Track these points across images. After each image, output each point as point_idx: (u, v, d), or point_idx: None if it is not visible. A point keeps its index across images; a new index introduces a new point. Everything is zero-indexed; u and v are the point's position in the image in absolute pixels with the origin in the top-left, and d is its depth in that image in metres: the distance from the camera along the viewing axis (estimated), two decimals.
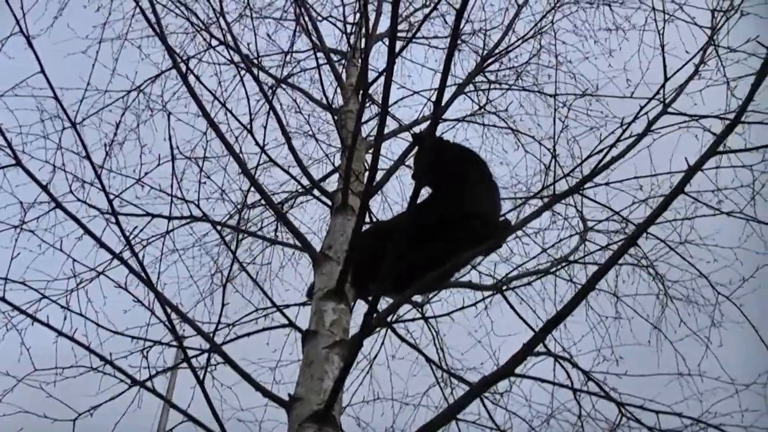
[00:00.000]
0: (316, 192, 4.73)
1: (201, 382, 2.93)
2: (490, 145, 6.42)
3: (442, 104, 5.42)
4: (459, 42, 6.50)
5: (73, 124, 3.25)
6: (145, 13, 4.23)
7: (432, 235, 3.83)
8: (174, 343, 3.28)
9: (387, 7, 6.29)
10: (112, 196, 3.25)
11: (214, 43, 5.44)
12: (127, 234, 3.29)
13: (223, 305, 3.28)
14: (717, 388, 4.67)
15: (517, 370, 4.06)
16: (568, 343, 5.20)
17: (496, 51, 5.94)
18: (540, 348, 4.23)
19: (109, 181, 4.97)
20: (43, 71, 3.16)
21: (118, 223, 3.10)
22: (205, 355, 3.84)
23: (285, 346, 5.23)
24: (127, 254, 3.52)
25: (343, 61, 6.20)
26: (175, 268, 5.46)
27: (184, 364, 3.30)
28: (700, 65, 4.57)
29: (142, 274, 3.00)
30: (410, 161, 4.90)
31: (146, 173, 4.35)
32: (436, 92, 2.78)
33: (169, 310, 3.02)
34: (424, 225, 3.82)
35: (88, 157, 3.16)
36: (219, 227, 4.38)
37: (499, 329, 5.14)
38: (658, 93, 4.26)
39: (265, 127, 4.16)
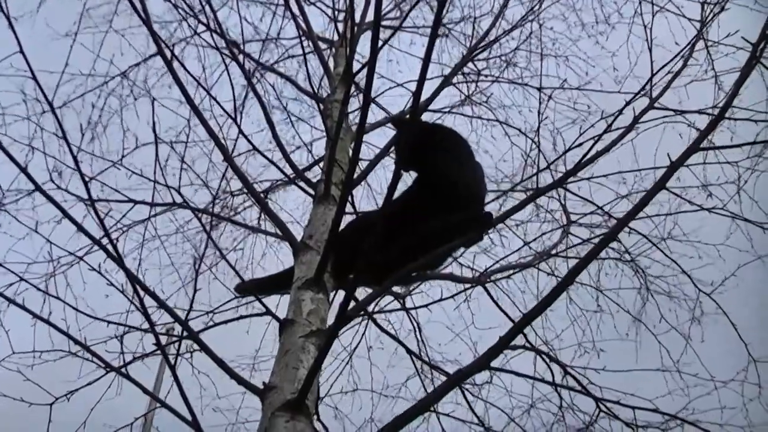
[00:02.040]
0: (299, 182, 4.71)
1: (173, 368, 2.91)
2: (477, 137, 6.43)
3: (429, 93, 5.51)
4: (446, 30, 6.49)
5: (50, 104, 3.21)
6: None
7: (414, 225, 3.80)
8: (148, 328, 3.22)
9: None
10: (88, 180, 3.18)
11: (201, 29, 5.42)
12: (109, 220, 3.28)
13: (195, 291, 3.27)
14: (697, 385, 4.69)
15: (498, 364, 4.11)
16: (551, 337, 5.24)
17: (485, 39, 5.91)
18: (520, 341, 4.25)
19: (92, 167, 4.98)
20: (21, 51, 3.12)
21: (93, 206, 3.06)
22: (183, 341, 3.84)
23: (266, 336, 5.23)
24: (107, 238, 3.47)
25: (332, 50, 6.15)
26: (158, 255, 5.46)
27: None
28: (688, 59, 4.56)
29: (113, 254, 2.96)
30: (394, 150, 4.88)
31: (123, 156, 4.33)
32: (417, 83, 2.73)
33: (142, 293, 2.99)
34: (406, 214, 3.80)
35: (65, 138, 3.13)
36: (199, 214, 4.33)
37: (481, 322, 5.13)
38: (644, 88, 4.24)
39: (240, 113, 4.12)
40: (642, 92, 4.23)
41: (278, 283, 4.10)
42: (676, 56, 4.32)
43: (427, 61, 2.68)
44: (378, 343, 5.52)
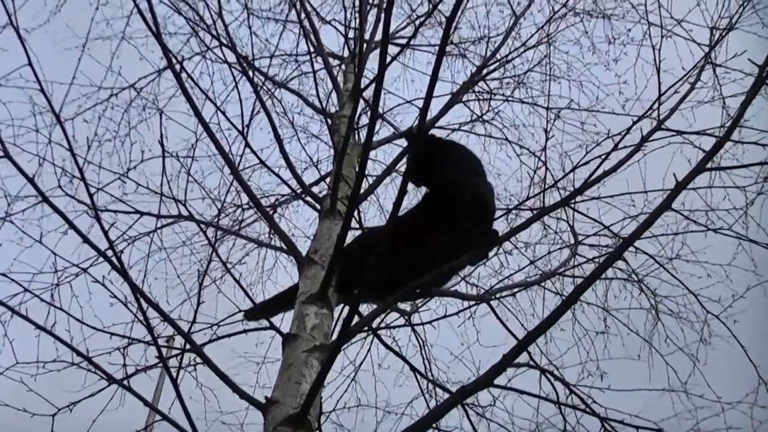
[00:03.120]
0: (306, 197, 4.72)
1: (174, 381, 2.90)
2: (489, 157, 6.44)
3: (439, 108, 5.53)
4: (460, 50, 6.52)
5: (57, 115, 3.23)
6: (142, 13, 4.21)
7: (420, 241, 3.80)
8: (150, 341, 3.21)
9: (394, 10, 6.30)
10: (93, 192, 3.20)
11: (214, 44, 5.45)
12: (116, 231, 3.28)
13: (198, 303, 3.27)
14: (704, 407, 4.66)
15: (502, 382, 4.09)
16: (558, 358, 5.22)
17: (495, 58, 5.93)
18: (525, 360, 4.24)
19: (99, 177, 5.01)
20: (30, 63, 3.14)
21: (97, 216, 3.07)
22: (187, 354, 3.84)
23: (269, 350, 5.23)
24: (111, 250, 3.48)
25: (342, 66, 6.19)
26: (164, 267, 5.46)
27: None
28: (696, 82, 4.56)
29: (117, 265, 2.96)
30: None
31: (129, 169, 4.36)
32: (426, 96, 2.74)
33: (145, 305, 3.00)
34: (412, 230, 3.80)
35: (71, 149, 3.14)
36: (205, 227, 4.34)
37: (488, 341, 5.12)
38: (651, 108, 4.24)
39: (247, 126, 4.12)
40: (650, 112, 4.22)
41: (286, 300, 4.09)
42: (683, 77, 4.32)
43: (434, 76, 2.69)
44: (385, 362, 5.53)
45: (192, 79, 4.55)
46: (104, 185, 4.55)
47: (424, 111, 2.87)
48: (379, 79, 2.82)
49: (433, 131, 5.30)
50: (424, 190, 4.14)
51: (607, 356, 5.27)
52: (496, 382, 3.20)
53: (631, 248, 4.64)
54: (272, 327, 3.74)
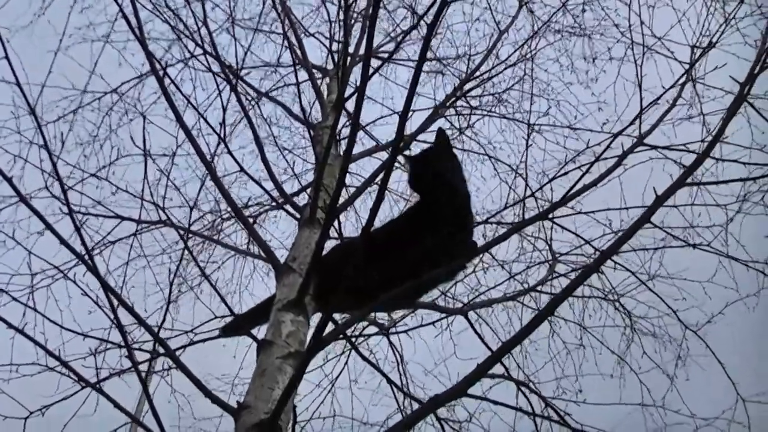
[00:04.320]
0: (287, 207, 4.70)
1: (144, 383, 2.88)
2: (468, 174, 6.44)
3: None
4: (441, 66, 6.55)
5: (33, 111, 3.19)
6: (127, 17, 4.20)
7: (398, 252, 3.77)
8: (122, 344, 3.17)
9: (378, 26, 6.34)
10: (66, 188, 3.17)
11: (197, 51, 5.44)
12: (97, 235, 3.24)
13: (168, 301, 3.23)
14: (681, 423, 4.66)
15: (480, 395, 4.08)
16: (538, 376, 5.23)
17: (476, 75, 5.95)
18: (501, 372, 4.23)
19: (82, 184, 5.01)
20: (6, 57, 3.10)
21: (71, 215, 3.04)
22: (161, 360, 3.81)
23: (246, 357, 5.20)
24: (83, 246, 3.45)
25: (326, 78, 6.19)
26: (143, 275, 5.43)
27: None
28: (677, 99, 4.59)
29: (89, 263, 2.94)
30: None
31: (104, 166, 4.34)
32: (404, 107, 2.73)
33: (115, 303, 2.96)
34: (390, 241, 3.78)
35: (46, 147, 3.11)
36: (183, 232, 4.31)
37: (466, 356, 5.11)
38: (632, 123, 4.26)
39: (223, 130, 4.11)
40: (631, 127, 4.25)
41: (263, 313, 4.04)
42: (665, 92, 4.34)
43: (412, 90, 2.68)
44: (363, 378, 5.51)
45: (175, 85, 4.54)
46: (76, 183, 4.52)
47: (400, 127, 2.85)
48: (360, 90, 2.82)
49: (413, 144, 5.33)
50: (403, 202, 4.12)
51: (583, 373, 5.26)
52: (472, 392, 3.19)
53: (611, 264, 4.68)
54: (248, 333, 3.71)
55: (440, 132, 4.08)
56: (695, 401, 4.83)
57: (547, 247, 5.20)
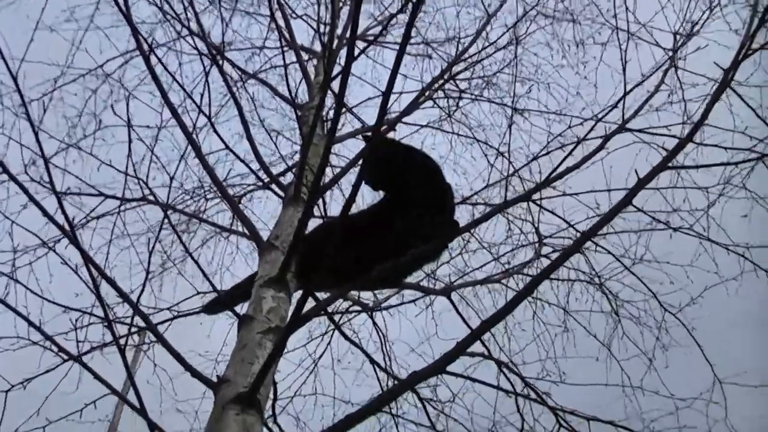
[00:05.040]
0: (273, 187, 4.71)
1: (123, 355, 2.88)
2: (455, 156, 6.48)
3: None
4: (429, 50, 6.56)
5: (15, 80, 3.16)
6: None
7: (381, 231, 3.79)
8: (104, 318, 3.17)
9: (365, 8, 6.35)
10: (47, 159, 3.17)
11: (184, 33, 5.43)
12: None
13: (147, 272, 3.24)
14: (660, 408, 4.70)
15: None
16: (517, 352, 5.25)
17: (464, 57, 5.95)
18: (481, 352, 4.26)
19: (65, 160, 5.01)
20: None
21: (52, 184, 3.05)
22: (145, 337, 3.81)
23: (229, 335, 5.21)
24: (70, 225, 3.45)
25: (314, 60, 6.19)
26: (129, 254, 5.43)
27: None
28: (660, 85, 4.62)
29: (70, 234, 2.94)
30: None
31: (80, 139, 4.33)
32: (386, 87, 2.74)
33: (96, 274, 2.97)
34: (373, 221, 3.81)
35: (28, 116, 3.11)
36: (166, 209, 4.32)
37: (451, 336, 5.13)
38: (616, 106, 4.28)
39: (208, 106, 4.11)
40: (614, 109, 4.26)
41: (245, 291, 4.06)
42: (647, 78, 4.38)
43: (395, 71, 2.69)
44: (346, 358, 5.53)
45: (161, 63, 4.52)
46: (57, 152, 4.51)
47: (382, 109, 2.85)
48: (345, 71, 2.82)
49: (400, 126, 5.35)
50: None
51: (566, 356, 5.29)
52: (453, 371, 3.21)
53: (593, 247, 4.71)
54: (230, 310, 3.73)
55: (366, 137, 4.15)
56: (675, 386, 4.85)
57: (534, 230, 5.21)
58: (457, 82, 6.14)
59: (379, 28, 6.82)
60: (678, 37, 4.64)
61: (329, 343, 5.44)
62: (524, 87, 6.16)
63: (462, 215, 5.04)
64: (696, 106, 4.57)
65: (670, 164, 3.62)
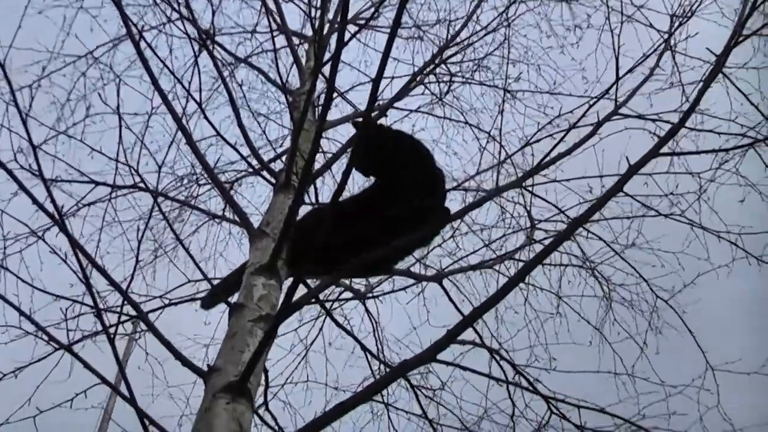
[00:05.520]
0: (264, 173, 4.69)
1: (112, 343, 2.86)
2: (447, 139, 6.45)
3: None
4: (420, 33, 6.53)
5: (1, 65, 3.12)
6: None
7: (372, 218, 3.78)
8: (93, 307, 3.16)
9: None
10: (36, 146, 3.14)
11: (174, 16, 5.39)
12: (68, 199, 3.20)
13: (137, 259, 3.22)
14: (651, 392, 4.70)
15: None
16: (511, 345, 5.24)
17: (456, 41, 5.91)
18: (471, 339, 4.25)
19: (56, 147, 4.98)
20: None
21: (41, 172, 3.02)
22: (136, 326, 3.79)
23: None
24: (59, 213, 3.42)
25: (305, 45, 6.15)
26: (121, 242, 5.41)
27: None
28: (655, 68, 4.59)
29: (59, 221, 2.92)
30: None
31: (70, 126, 4.30)
32: (377, 72, 2.71)
33: (85, 262, 2.95)
34: (365, 207, 3.80)
35: (15, 103, 3.07)
36: (156, 196, 4.29)
37: (444, 323, 5.12)
38: (608, 91, 4.25)
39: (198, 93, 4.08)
40: (606, 94, 4.23)
41: (239, 280, 4.05)
42: (641, 61, 4.35)
43: (386, 55, 2.66)
44: (337, 343, 5.51)
45: (150, 48, 4.48)
46: (47, 138, 4.48)
47: (373, 94, 2.82)
48: (336, 55, 2.80)
49: (391, 111, 5.31)
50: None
51: (557, 342, 5.28)
52: (444, 359, 3.19)
53: (585, 233, 4.69)
54: (225, 301, 3.71)
55: (356, 124, 4.13)
56: (667, 373, 4.85)
57: (526, 215, 5.19)
58: (449, 65, 6.10)
59: (371, 10, 6.77)
60: (674, 19, 4.60)
61: (321, 329, 5.43)
62: (517, 68, 6.14)
63: (454, 199, 5.02)
64: (691, 90, 4.57)
65: (661, 150, 3.60)
